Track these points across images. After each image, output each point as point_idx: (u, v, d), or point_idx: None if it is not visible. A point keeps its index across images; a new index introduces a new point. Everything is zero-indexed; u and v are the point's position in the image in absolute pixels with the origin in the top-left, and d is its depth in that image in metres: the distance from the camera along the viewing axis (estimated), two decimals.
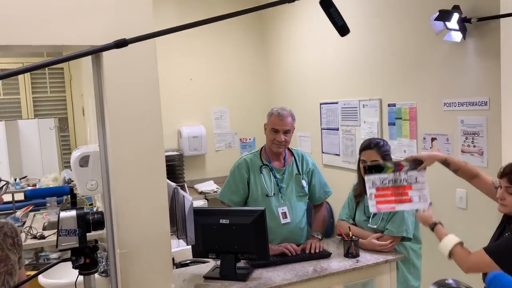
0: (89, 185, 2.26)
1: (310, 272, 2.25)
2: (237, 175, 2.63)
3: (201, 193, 4.70)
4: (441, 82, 2.96)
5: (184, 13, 4.81)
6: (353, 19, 3.67)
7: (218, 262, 2.30)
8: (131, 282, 1.88)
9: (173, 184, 2.22)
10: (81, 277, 1.68)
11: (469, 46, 2.73)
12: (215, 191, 4.64)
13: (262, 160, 2.65)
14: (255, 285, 2.13)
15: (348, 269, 2.29)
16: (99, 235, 2.66)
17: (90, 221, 1.64)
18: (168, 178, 2.11)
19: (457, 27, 2.64)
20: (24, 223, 3.90)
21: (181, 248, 2.73)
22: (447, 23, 2.66)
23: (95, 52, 1.08)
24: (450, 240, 1.86)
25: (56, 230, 1.63)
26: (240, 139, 5.28)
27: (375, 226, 2.50)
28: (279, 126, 2.55)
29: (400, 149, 3.32)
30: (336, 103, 4.05)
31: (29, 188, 4.96)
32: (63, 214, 1.62)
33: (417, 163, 2.04)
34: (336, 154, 4.12)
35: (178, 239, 2.24)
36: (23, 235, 3.42)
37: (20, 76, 5.67)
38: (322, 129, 4.31)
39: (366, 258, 2.38)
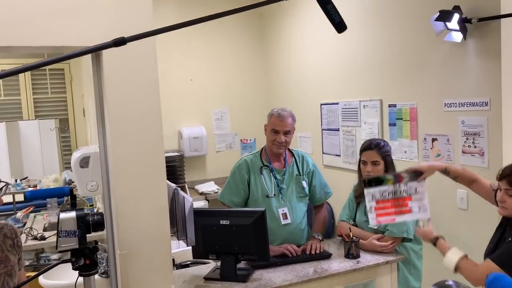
0: (90, 186, 2.25)
1: (310, 273, 2.25)
2: (237, 176, 2.63)
3: (201, 194, 4.70)
4: (442, 83, 2.96)
5: (184, 14, 4.81)
6: (354, 20, 3.67)
7: (219, 263, 2.29)
8: (131, 283, 1.88)
9: (173, 185, 2.22)
10: (81, 278, 1.68)
11: (470, 47, 2.72)
12: (216, 192, 4.63)
13: (262, 161, 2.65)
14: (255, 286, 2.13)
15: (348, 270, 2.29)
16: (99, 236, 2.66)
17: (90, 222, 1.64)
18: (168, 179, 2.11)
19: (457, 27, 2.63)
20: (24, 224, 3.89)
21: (181, 249, 2.73)
22: (447, 23, 2.66)
23: (94, 50, 1.08)
24: (455, 254, 1.82)
25: (56, 231, 1.62)
26: (241, 140, 5.27)
27: (375, 227, 2.49)
28: (279, 127, 2.55)
29: (401, 149, 3.32)
30: (337, 103, 4.05)
31: (30, 189, 4.96)
32: (63, 215, 1.62)
33: (417, 174, 2.03)
34: (337, 155, 4.11)
35: (178, 240, 2.23)
36: (23, 236, 3.42)
37: (21, 77, 5.67)
38: (322, 129, 4.31)
39: (366, 259, 2.38)
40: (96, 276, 1.82)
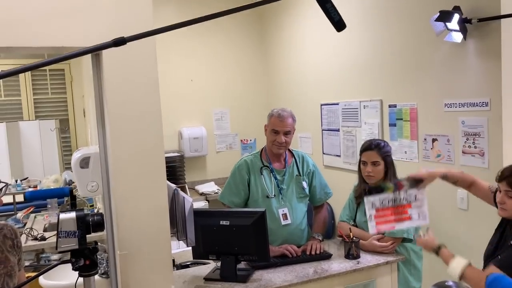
0: (90, 186, 2.25)
1: (310, 274, 2.25)
2: (237, 177, 2.63)
3: (202, 194, 4.70)
4: (442, 83, 2.96)
5: (184, 14, 4.80)
6: (354, 20, 3.67)
7: (219, 264, 2.29)
8: (131, 284, 1.88)
9: (173, 186, 2.22)
10: (81, 279, 1.68)
11: (470, 47, 2.72)
12: (216, 192, 4.63)
13: (262, 161, 2.64)
14: (255, 286, 2.13)
15: (348, 270, 2.29)
16: (99, 236, 2.67)
17: (89, 223, 1.64)
18: (169, 179, 2.11)
19: (457, 27, 2.63)
20: (25, 224, 3.90)
21: (181, 249, 2.73)
22: (447, 23, 2.66)
23: (94, 50, 1.07)
24: (459, 263, 1.79)
25: (56, 232, 1.62)
26: (241, 140, 5.27)
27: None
28: (279, 127, 2.55)
29: (401, 150, 3.32)
30: (337, 104, 4.05)
31: (30, 189, 4.96)
32: (62, 215, 1.62)
33: (417, 182, 2.03)
34: (337, 155, 4.11)
35: (178, 240, 2.23)
36: (23, 237, 3.42)
37: (21, 78, 5.68)
38: (322, 130, 4.31)
39: (366, 259, 2.38)
40: (96, 276, 1.82)
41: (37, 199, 4.51)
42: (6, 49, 1.76)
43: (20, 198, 4.89)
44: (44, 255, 3.70)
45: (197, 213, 2.17)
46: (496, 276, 1.52)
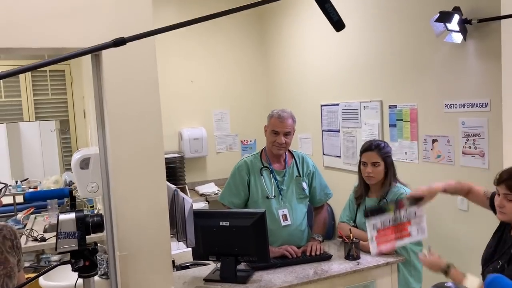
0: (90, 187, 2.26)
1: (310, 275, 2.24)
2: (237, 177, 2.63)
3: (202, 195, 4.70)
4: (442, 84, 2.96)
5: (184, 15, 4.81)
6: (354, 21, 3.67)
7: (219, 265, 2.29)
8: (131, 285, 1.87)
9: (173, 187, 2.21)
10: (81, 280, 1.67)
11: (470, 48, 2.72)
12: (216, 193, 4.63)
13: (262, 162, 2.64)
14: (255, 287, 2.12)
15: (349, 271, 2.29)
16: (99, 237, 2.66)
17: (89, 224, 1.64)
18: (169, 180, 2.11)
19: (457, 28, 2.63)
20: (25, 225, 3.90)
21: (181, 250, 2.73)
22: (447, 24, 2.66)
23: (94, 51, 1.07)
24: (473, 282, 1.74)
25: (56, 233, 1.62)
26: (241, 141, 5.27)
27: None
28: (279, 128, 2.55)
29: (401, 150, 3.31)
30: (337, 104, 4.05)
31: (30, 190, 4.96)
32: (62, 216, 1.61)
33: (417, 200, 2.02)
34: (337, 156, 4.11)
35: (178, 241, 2.23)
36: (23, 238, 3.42)
37: (21, 79, 5.68)
38: (323, 130, 4.31)
39: (367, 260, 2.38)
40: (96, 277, 1.82)
41: (36, 200, 4.52)
42: (6, 50, 1.76)
43: (20, 199, 4.89)
44: (44, 256, 3.70)
45: (197, 214, 2.17)
46: (495, 276, 1.51)
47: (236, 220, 2.25)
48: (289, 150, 2.70)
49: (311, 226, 2.75)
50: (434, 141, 3.05)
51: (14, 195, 4.82)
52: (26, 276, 1.88)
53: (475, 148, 2.74)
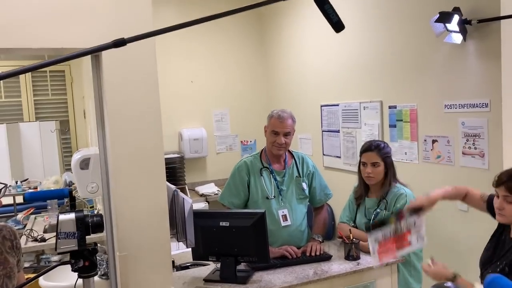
0: (90, 187, 2.26)
1: (310, 275, 2.24)
2: (237, 178, 2.63)
3: (202, 195, 4.70)
4: (442, 84, 2.96)
5: (184, 15, 4.81)
6: (354, 21, 3.67)
7: (218, 265, 2.29)
8: (131, 285, 1.87)
9: (173, 187, 2.21)
10: (80, 280, 1.67)
11: (470, 48, 2.72)
12: (216, 194, 4.63)
13: (262, 163, 2.64)
14: None
15: (348, 271, 2.29)
16: (99, 237, 2.66)
17: (89, 224, 1.64)
18: (169, 180, 2.11)
19: (457, 29, 2.63)
20: (25, 225, 3.89)
21: (181, 250, 2.73)
22: (447, 25, 2.66)
23: (94, 51, 1.07)
24: None
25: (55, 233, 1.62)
26: (241, 141, 5.27)
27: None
28: (279, 128, 2.55)
29: (401, 151, 3.31)
30: (337, 105, 4.05)
31: (30, 191, 4.96)
32: (62, 217, 1.62)
33: (417, 210, 2.03)
34: (337, 156, 4.11)
35: (178, 241, 2.23)
36: (23, 238, 3.42)
37: (21, 79, 5.68)
38: (323, 131, 4.31)
39: (367, 260, 2.37)
40: (96, 277, 1.82)
41: (36, 200, 4.52)
42: (6, 50, 1.77)
43: (20, 199, 4.89)
44: (44, 257, 3.70)
45: (197, 214, 2.17)
46: (494, 277, 1.51)
47: (236, 220, 2.25)
48: (289, 151, 2.70)
49: (311, 227, 2.75)
50: (434, 141, 3.05)
51: (14, 196, 4.82)
52: (26, 277, 1.88)
53: (475, 148, 2.74)
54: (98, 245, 1.78)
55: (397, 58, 3.33)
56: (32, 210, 4.29)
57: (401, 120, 3.32)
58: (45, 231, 3.63)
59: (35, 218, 4.09)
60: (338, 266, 2.34)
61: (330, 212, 3.96)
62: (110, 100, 1.84)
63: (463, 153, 2.82)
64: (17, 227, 3.79)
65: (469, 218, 2.80)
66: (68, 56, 1.07)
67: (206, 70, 5.07)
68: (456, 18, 2.60)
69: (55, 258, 3.64)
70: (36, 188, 5.08)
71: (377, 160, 2.48)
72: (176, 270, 2.46)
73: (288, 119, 2.56)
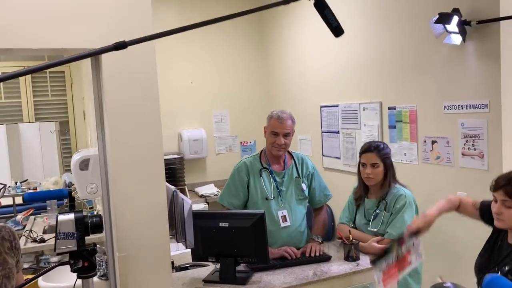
0: (89, 188, 2.25)
1: (310, 276, 2.24)
2: (236, 178, 2.63)
3: (201, 196, 4.70)
4: (441, 85, 2.96)
5: (184, 17, 4.82)
6: (354, 22, 3.67)
7: (218, 266, 2.29)
8: (130, 286, 1.87)
9: (172, 187, 2.21)
10: (80, 281, 1.67)
11: (469, 49, 2.72)
12: (216, 194, 4.63)
13: (262, 163, 2.64)
14: None
15: (348, 272, 2.29)
16: (99, 238, 2.66)
17: (88, 224, 1.64)
18: (168, 181, 2.11)
19: (457, 30, 2.64)
20: (24, 226, 3.89)
21: (181, 251, 2.73)
22: (447, 26, 2.66)
23: (95, 54, 1.07)
24: None
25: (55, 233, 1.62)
26: (241, 142, 5.27)
27: (375, 229, 2.49)
28: (279, 129, 2.55)
29: (401, 152, 3.32)
30: (337, 106, 4.05)
31: (29, 191, 4.95)
32: (61, 217, 1.62)
33: (415, 233, 2.03)
34: (337, 157, 4.11)
35: (178, 242, 2.23)
36: (23, 239, 3.41)
37: (21, 80, 5.69)
38: (322, 132, 4.31)
39: (366, 261, 2.38)
40: (95, 278, 1.82)
41: (35, 201, 4.51)
42: (6, 51, 1.77)
43: (19, 200, 4.88)
44: (43, 257, 3.69)
45: (196, 215, 2.17)
46: (493, 277, 1.51)
47: (236, 221, 2.25)
48: (288, 151, 2.70)
49: (310, 227, 2.75)
50: (433, 142, 3.05)
51: (13, 196, 4.82)
52: (25, 277, 1.88)
53: (475, 149, 2.74)
54: (98, 245, 1.78)
55: (397, 59, 3.34)
56: (31, 211, 4.28)
57: (401, 121, 3.32)
58: (44, 232, 3.62)
59: (34, 219, 4.08)
60: (337, 267, 2.34)
61: (329, 213, 3.96)
62: (109, 101, 1.84)
63: (463, 154, 2.82)
64: (16, 228, 3.78)
65: (468, 220, 2.79)
66: (69, 58, 1.07)
67: (205, 71, 5.07)
68: (455, 19, 2.61)
69: (55, 259, 3.64)
70: (36, 188, 5.08)
71: (377, 161, 2.48)
72: (176, 271, 2.46)
73: (287, 120, 2.57)
